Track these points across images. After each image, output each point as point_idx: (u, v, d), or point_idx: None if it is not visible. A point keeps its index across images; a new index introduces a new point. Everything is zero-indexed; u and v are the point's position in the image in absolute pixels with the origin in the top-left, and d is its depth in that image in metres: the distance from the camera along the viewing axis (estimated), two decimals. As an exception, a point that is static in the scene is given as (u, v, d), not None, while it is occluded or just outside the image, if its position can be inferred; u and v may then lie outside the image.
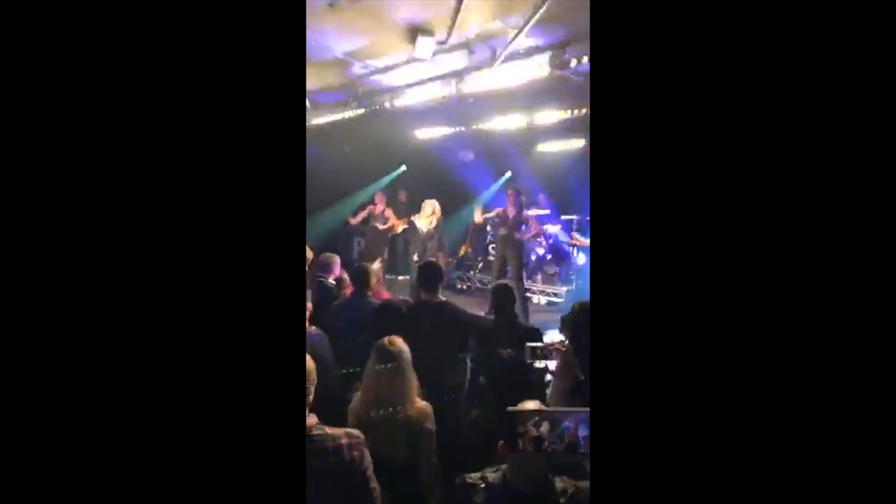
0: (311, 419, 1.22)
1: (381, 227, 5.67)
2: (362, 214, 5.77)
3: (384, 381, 1.52)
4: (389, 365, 1.52)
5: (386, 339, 1.58)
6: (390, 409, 1.50)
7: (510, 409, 0.66)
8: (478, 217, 4.63)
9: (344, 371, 2.08)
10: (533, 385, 1.94)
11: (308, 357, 1.24)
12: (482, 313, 3.06)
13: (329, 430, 1.22)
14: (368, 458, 1.25)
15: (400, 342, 1.58)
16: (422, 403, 1.58)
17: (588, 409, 0.65)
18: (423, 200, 5.54)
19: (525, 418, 0.64)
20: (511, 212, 4.44)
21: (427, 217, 5.05)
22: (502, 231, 4.49)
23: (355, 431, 1.26)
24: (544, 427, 0.64)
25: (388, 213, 5.66)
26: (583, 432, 0.64)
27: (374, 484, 1.26)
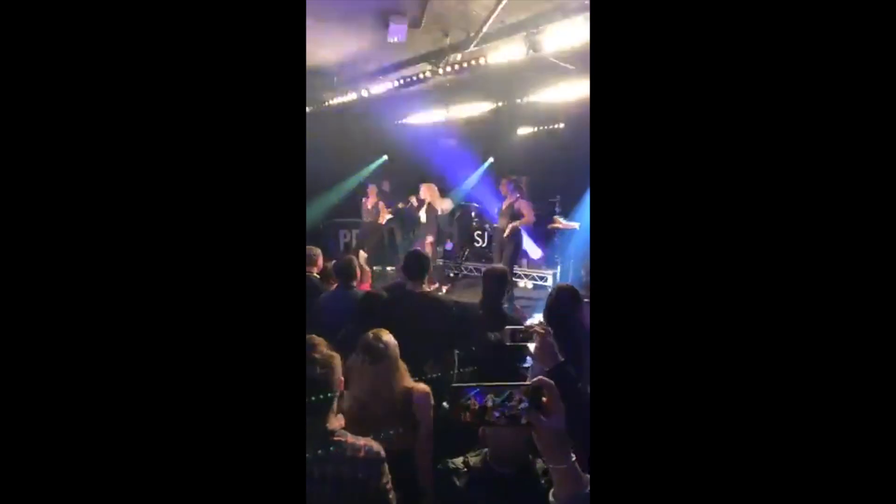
0: (339, 421, 1.17)
1: (379, 221, 5.64)
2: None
3: (370, 375, 1.50)
4: (375, 361, 1.49)
5: (371, 333, 1.56)
6: (382, 401, 1.48)
7: (455, 384, 0.66)
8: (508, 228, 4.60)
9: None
10: (516, 368, 1.96)
11: (336, 353, 1.19)
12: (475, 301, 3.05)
13: (351, 438, 1.15)
14: (387, 476, 1.17)
15: (386, 335, 1.56)
16: (419, 385, 1.54)
17: (526, 384, 0.66)
18: (410, 187, 5.51)
19: (466, 392, 0.65)
20: (519, 205, 4.45)
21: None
22: (502, 223, 4.52)
23: (376, 447, 1.17)
24: (487, 400, 0.65)
25: (381, 205, 5.61)
26: (523, 404, 0.65)
27: (392, 498, 1.18)
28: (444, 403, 1.57)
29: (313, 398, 1.13)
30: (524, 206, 4.46)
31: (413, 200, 5.30)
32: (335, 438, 1.13)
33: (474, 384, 0.65)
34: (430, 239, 5.12)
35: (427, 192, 5.15)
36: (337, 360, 1.19)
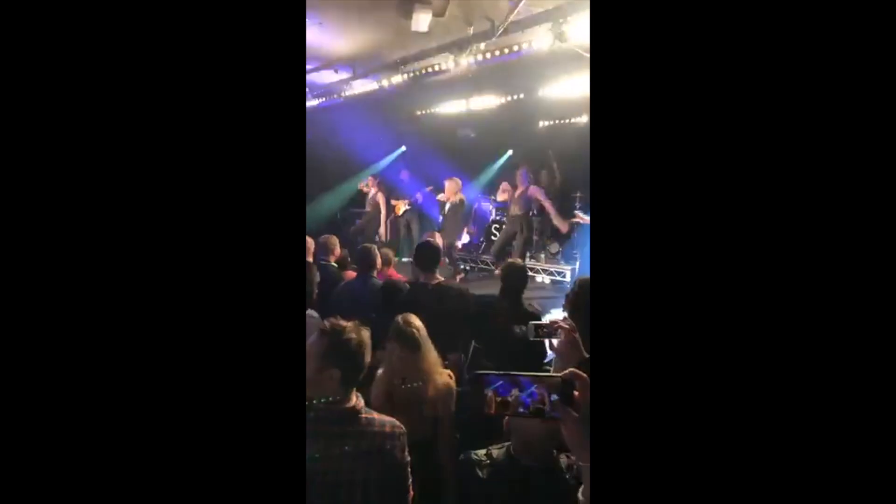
0: (360, 401, 1.21)
1: (396, 212, 5.78)
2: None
3: (404, 362, 1.51)
4: (407, 347, 1.51)
5: (401, 319, 1.57)
6: (413, 384, 1.50)
7: (479, 371, 0.64)
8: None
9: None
10: (537, 362, 1.95)
11: (364, 330, 1.22)
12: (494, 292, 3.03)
13: (377, 415, 1.22)
14: (406, 452, 1.23)
15: (416, 320, 1.57)
16: (445, 381, 1.56)
17: (556, 375, 0.64)
18: (425, 180, 5.58)
19: (490, 382, 0.63)
20: (533, 192, 4.46)
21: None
22: (516, 209, 4.51)
23: (397, 422, 1.23)
24: (512, 392, 0.63)
25: (379, 196, 5.71)
26: (553, 397, 0.63)
27: (408, 476, 1.23)
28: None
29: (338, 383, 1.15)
30: (538, 192, 4.47)
31: (440, 197, 5.39)
32: (364, 416, 1.19)
33: (500, 373, 0.63)
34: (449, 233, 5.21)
35: (451, 186, 5.20)
36: (368, 340, 1.22)
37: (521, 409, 0.63)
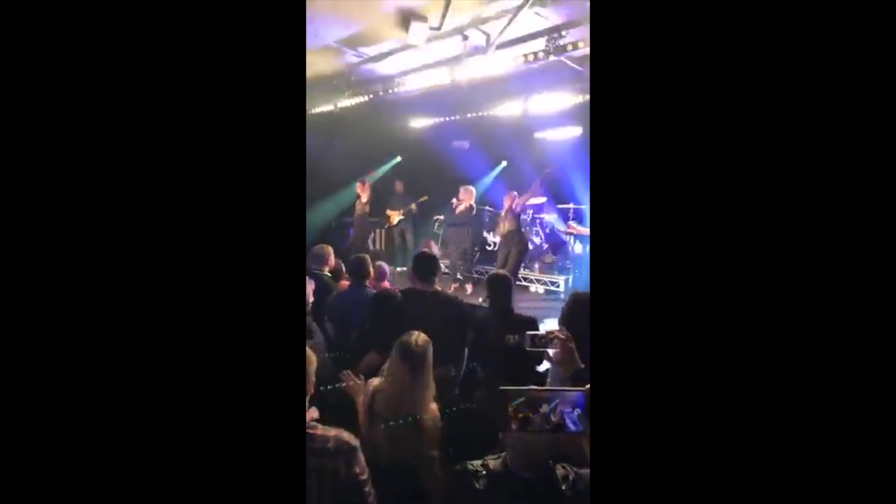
0: (311, 413, 1.17)
1: (391, 222, 5.83)
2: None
3: (403, 381, 1.48)
4: (410, 365, 1.49)
5: (413, 338, 1.53)
6: (408, 416, 1.45)
7: (503, 387, 0.65)
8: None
9: (334, 354, 2.08)
10: (532, 372, 1.94)
11: (308, 348, 1.19)
12: (479, 300, 3.04)
13: (321, 430, 1.17)
14: (362, 464, 1.18)
15: (424, 340, 1.54)
16: (433, 417, 1.51)
17: (578, 389, 0.64)
18: (420, 190, 5.58)
19: (513, 398, 0.63)
20: (517, 203, 4.55)
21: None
22: (507, 226, 4.58)
23: (346, 436, 1.18)
24: (542, 408, 0.63)
25: (364, 199, 5.72)
26: (573, 412, 0.63)
27: (369, 489, 1.18)
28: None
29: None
30: (522, 201, 4.57)
31: (453, 201, 5.42)
32: (306, 431, 1.14)
33: (522, 388, 0.64)
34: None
35: (466, 195, 5.24)
36: (312, 357, 1.20)
37: (546, 425, 0.63)
